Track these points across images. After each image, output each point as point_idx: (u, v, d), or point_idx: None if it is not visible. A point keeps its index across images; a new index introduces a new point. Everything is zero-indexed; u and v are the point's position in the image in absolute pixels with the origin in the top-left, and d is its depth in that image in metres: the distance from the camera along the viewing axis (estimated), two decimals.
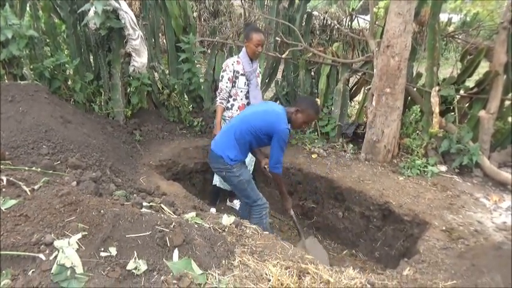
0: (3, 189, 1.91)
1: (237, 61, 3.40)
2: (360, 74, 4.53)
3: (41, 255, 1.54)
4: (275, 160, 2.78)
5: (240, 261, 1.90)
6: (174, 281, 1.60)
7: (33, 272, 1.49)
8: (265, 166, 3.05)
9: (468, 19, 7.49)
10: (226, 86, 3.42)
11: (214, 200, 3.84)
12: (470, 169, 3.49)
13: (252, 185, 2.95)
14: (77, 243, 1.61)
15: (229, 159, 2.79)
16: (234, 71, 3.39)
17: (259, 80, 3.61)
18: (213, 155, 2.90)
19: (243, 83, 3.45)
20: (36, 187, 2.00)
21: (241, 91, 3.49)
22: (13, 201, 1.79)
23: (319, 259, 2.15)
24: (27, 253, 1.55)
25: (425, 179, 3.44)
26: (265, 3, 6.02)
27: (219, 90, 3.47)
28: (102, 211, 1.80)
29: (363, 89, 4.57)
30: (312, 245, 3.10)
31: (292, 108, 2.82)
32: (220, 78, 3.45)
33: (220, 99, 3.46)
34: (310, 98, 3.05)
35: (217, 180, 3.70)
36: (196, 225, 2.05)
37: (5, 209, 1.74)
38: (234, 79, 3.42)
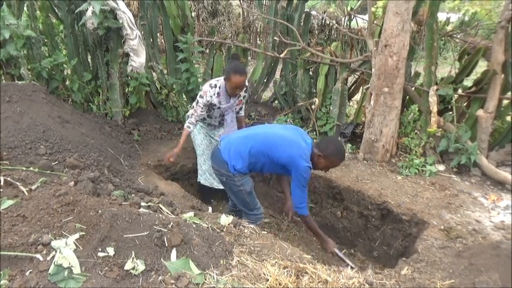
0: (1, 190, 1.91)
1: (217, 93, 3.12)
2: (358, 73, 4.53)
3: (39, 256, 1.54)
4: (298, 200, 2.56)
5: (238, 261, 1.90)
6: (172, 281, 1.60)
7: (30, 272, 1.49)
8: (288, 211, 2.96)
9: (466, 18, 7.51)
10: (201, 113, 3.18)
11: (207, 199, 3.63)
12: (469, 168, 3.50)
13: (252, 196, 2.75)
14: (75, 243, 1.61)
15: (233, 168, 2.57)
16: (211, 103, 3.15)
17: (242, 107, 3.40)
18: (218, 156, 2.65)
19: (218, 114, 3.28)
20: (33, 187, 2.00)
21: (215, 120, 3.37)
22: (11, 202, 1.79)
23: None
24: (24, 253, 1.55)
25: (423, 178, 3.45)
26: (264, 3, 6.03)
27: (192, 112, 3.19)
28: (100, 211, 1.80)
29: (361, 88, 4.57)
30: None
31: (316, 149, 2.56)
32: (196, 102, 3.18)
33: (189, 122, 3.19)
34: (337, 142, 2.65)
35: (201, 179, 3.51)
36: (194, 225, 2.05)
37: (2, 209, 1.74)
38: (210, 108, 3.22)
